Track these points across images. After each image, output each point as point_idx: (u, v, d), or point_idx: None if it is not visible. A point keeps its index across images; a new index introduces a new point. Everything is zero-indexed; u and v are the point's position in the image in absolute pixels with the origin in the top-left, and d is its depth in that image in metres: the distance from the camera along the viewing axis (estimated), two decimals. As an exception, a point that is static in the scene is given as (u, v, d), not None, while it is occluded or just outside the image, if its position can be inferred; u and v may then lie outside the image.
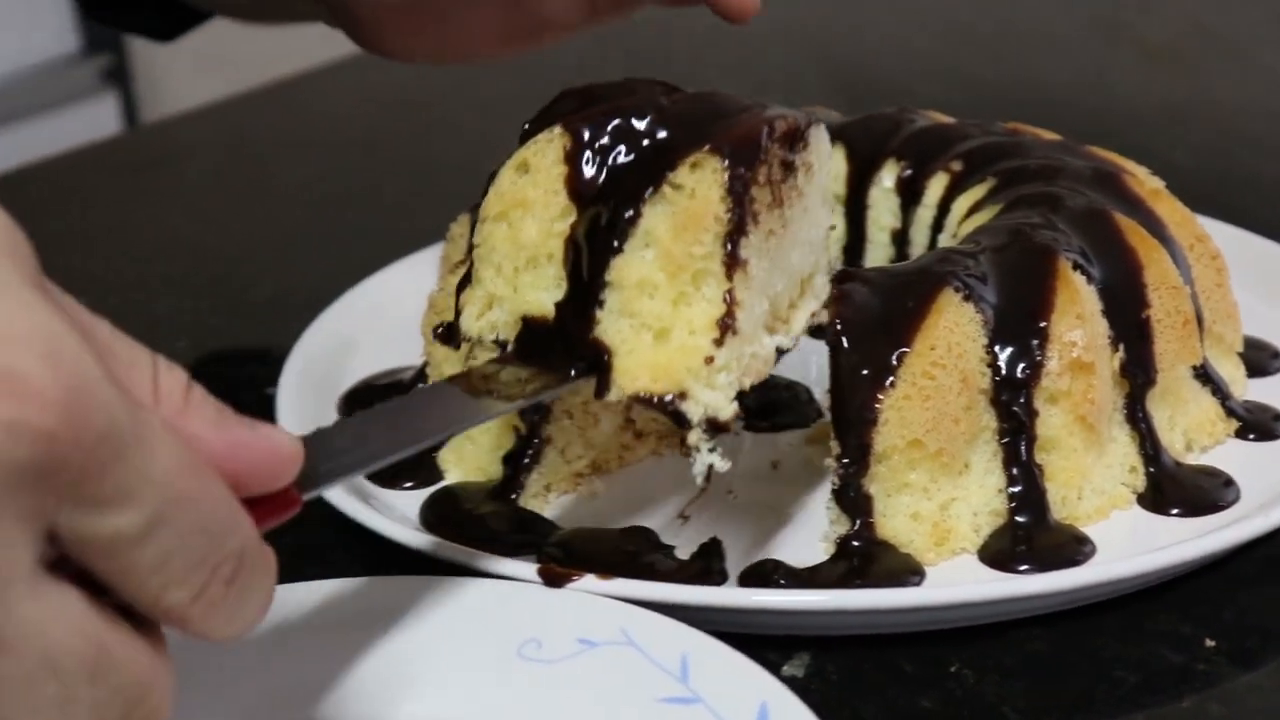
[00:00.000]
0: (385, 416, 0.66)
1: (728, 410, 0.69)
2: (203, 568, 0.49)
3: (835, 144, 1.00)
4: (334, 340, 0.97)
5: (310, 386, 0.92)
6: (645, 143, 0.71)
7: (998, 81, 1.56)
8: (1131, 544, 0.77)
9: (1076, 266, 0.80)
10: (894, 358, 0.76)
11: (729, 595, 0.73)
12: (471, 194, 0.95)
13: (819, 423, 0.90)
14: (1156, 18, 1.72)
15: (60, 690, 0.47)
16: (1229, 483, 0.81)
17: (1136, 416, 0.81)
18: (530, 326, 0.72)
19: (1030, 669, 0.72)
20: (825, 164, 0.78)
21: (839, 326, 0.77)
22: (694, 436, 0.69)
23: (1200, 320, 0.86)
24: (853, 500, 0.76)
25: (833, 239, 1.00)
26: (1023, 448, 0.77)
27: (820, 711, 0.63)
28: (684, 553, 0.78)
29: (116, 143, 1.84)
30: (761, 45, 1.64)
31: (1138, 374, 0.81)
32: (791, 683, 0.67)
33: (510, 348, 0.72)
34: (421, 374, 0.92)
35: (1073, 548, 0.76)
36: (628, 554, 0.77)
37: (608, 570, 0.73)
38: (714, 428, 0.69)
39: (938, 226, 0.96)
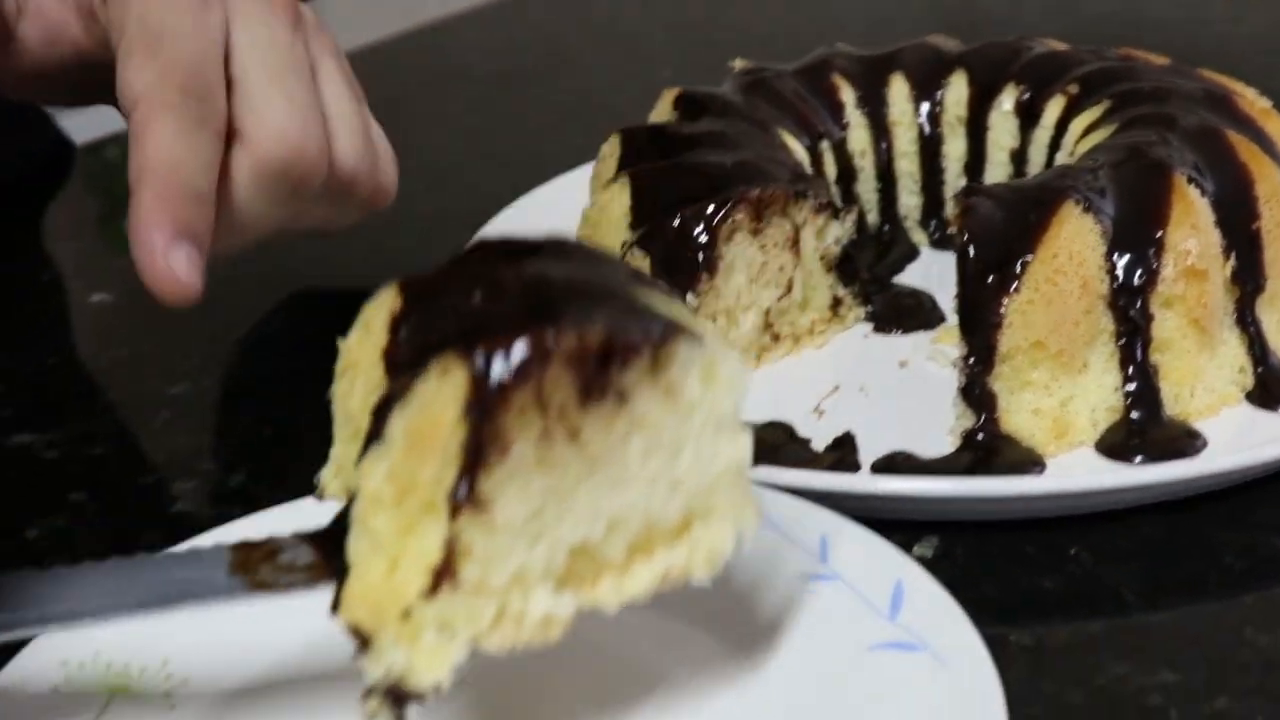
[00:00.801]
0: (109, 575, 0.59)
1: (424, 678, 0.51)
2: None
3: (956, 70, 0.99)
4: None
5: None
6: (454, 321, 0.53)
7: (1107, 13, 1.53)
8: (1240, 438, 0.76)
9: (1191, 181, 0.78)
10: (1018, 265, 0.75)
11: (864, 482, 0.73)
12: (617, 119, 0.96)
13: (944, 326, 0.89)
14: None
15: None
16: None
17: (1246, 320, 0.79)
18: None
19: (1145, 553, 0.71)
20: (718, 386, 0.55)
21: (966, 237, 0.76)
22: (367, 703, 0.52)
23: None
24: (978, 397, 0.76)
25: (953, 159, 0.99)
26: (1139, 349, 0.76)
27: (949, 590, 0.63)
28: (819, 444, 0.78)
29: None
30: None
31: (1247, 281, 0.79)
32: (921, 563, 0.66)
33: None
34: None
35: (1185, 441, 0.75)
36: (768, 445, 0.77)
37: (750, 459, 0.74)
38: (397, 696, 0.51)
39: (1055, 146, 0.94)
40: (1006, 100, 0.96)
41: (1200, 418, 0.77)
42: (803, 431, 0.79)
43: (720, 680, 0.60)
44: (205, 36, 0.72)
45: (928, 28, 1.08)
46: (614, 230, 0.87)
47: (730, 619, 0.64)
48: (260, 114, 0.73)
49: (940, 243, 0.99)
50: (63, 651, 0.64)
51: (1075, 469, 0.75)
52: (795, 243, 0.86)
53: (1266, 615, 0.67)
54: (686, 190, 0.84)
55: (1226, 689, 0.63)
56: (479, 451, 0.50)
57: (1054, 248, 0.75)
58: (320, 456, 0.64)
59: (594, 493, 0.54)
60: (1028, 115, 0.95)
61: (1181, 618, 0.68)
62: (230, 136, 0.73)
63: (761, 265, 0.85)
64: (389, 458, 0.52)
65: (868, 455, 0.77)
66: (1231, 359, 0.79)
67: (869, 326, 0.90)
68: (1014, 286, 0.74)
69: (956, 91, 0.98)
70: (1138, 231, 0.76)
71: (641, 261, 0.83)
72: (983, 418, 0.76)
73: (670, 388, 0.54)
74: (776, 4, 1.68)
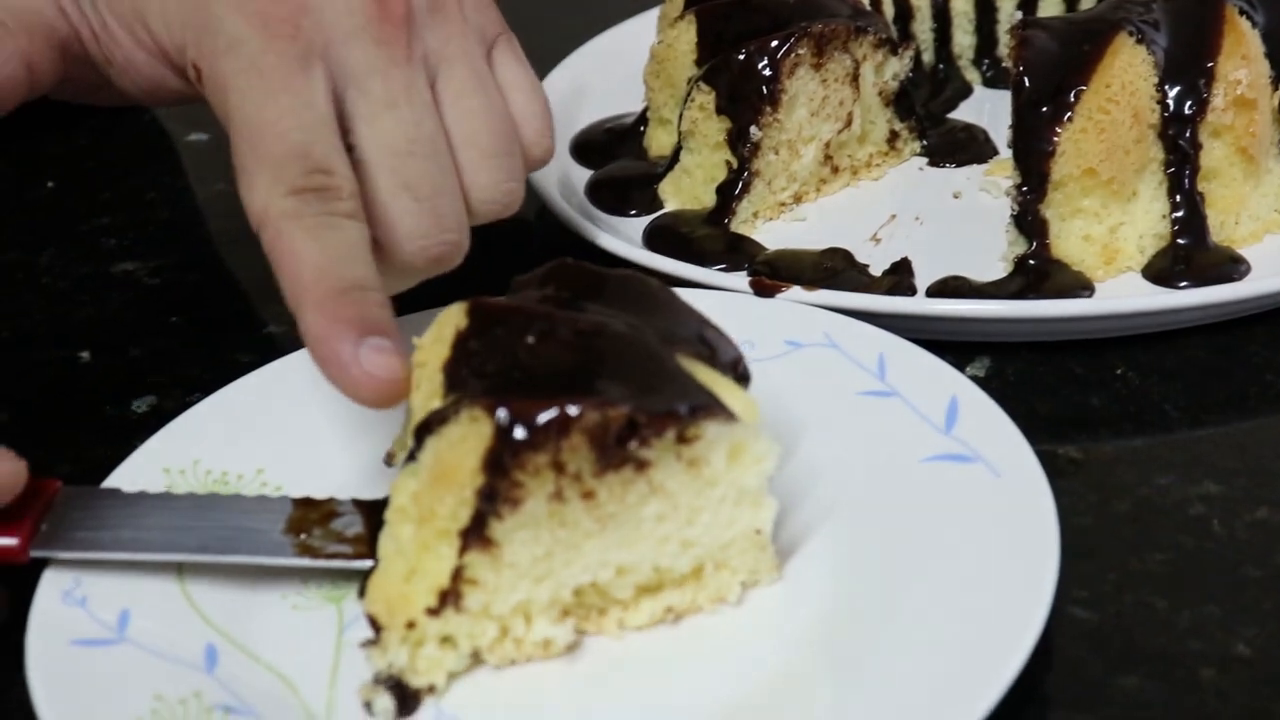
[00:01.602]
0: (178, 512, 0.59)
1: (421, 679, 0.53)
2: None
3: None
4: (567, 87, 0.94)
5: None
6: (500, 361, 0.53)
7: None
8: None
9: (1242, 12, 0.74)
10: (1072, 95, 0.71)
11: (919, 304, 0.71)
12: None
13: (996, 159, 0.85)
14: None
15: None
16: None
17: None
18: None
19: (1189, 372, 0.69)
20: (744, 463, 0.54)
21: (1021, 68, 0.72)
22: (366, 690, 0.53)
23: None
24: (1030, 224, 0.73)
25: None
26: (1187, 177, 0.73)
27: (1000, 407, 0.62)
28: (877, 270, 0.76)
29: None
30: None
31: None
32: (974, 382, 0.65)
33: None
34: (643, 117, 0.90)
35: (1229, 266, 0.73)
36: (828, 270, 0.75)
37: (811, 283, 0.72)
38: (395, 688, 0.53)
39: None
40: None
41: (1244, 244, 0.75)
42: (861, 258, 0.77)
43: (778, 490, 0.58)
44: (308, 114, 0.61)
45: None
46: (680, 65, 0.84)
47: (790, 432, 0.62)
48: (387, 226, 0.62)
49: (993, 81, 0.95)
50: (164, 459, 0.63)
51: (1123, 292, 0.72)
52: (855, 78, 0.82)
53: (1306, 431, 0.66)
54: (751, 25, 0.80)
55: (1267, 499, 0.61)
56: (492, 500, 0.51)
57: (1107, 78, 0.71)
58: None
59: (604, 546, 0.54)
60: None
61: (1224, 433, 0.66)
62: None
63: (822, 99, 0.82)
64: (417, 482, 0.53)
65: (923, 280, 0.74)
66: (1276, 187, 0.76)
67: (924, 160, 0.87)
68: (1067, 116, 0.71)
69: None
70: (1189, 62, 0.73)
71: (707, 96, 0.80)
72: (1034, 244, 0.73)
73: (694, 462, 0.53)
74: None
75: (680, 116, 0.83)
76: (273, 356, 0.69)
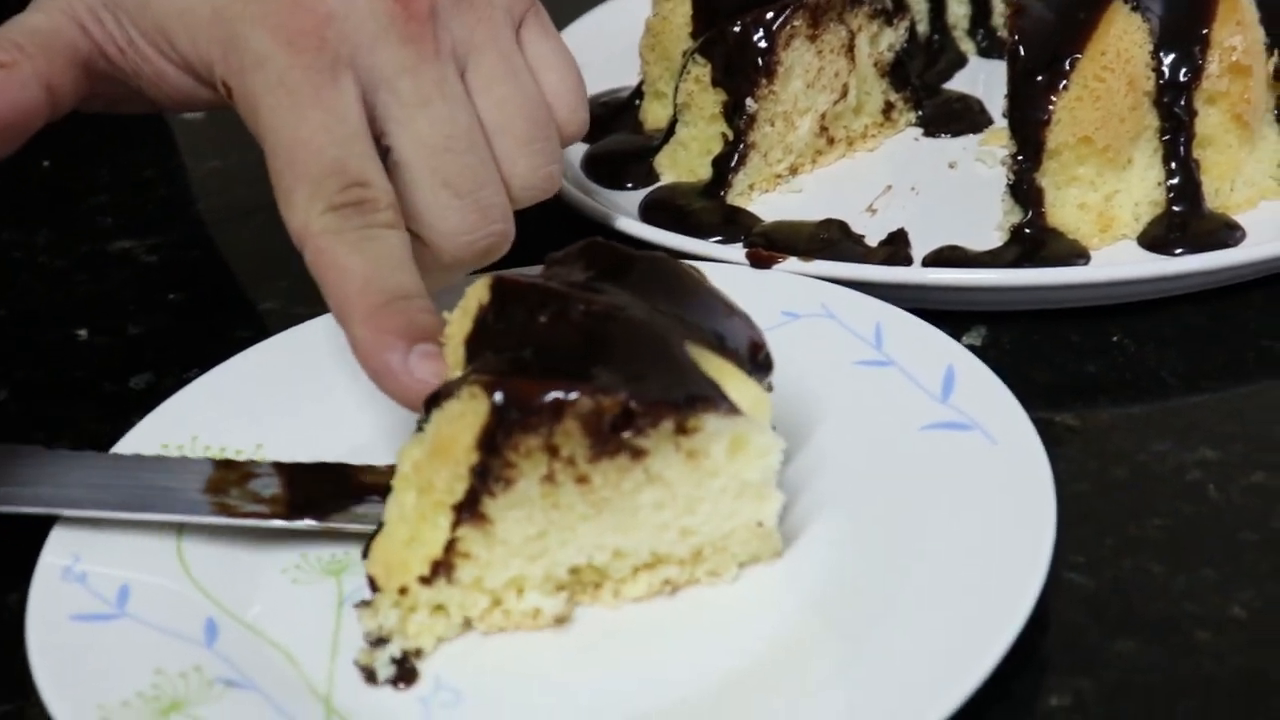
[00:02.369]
0: (100, 470, 0.60)
1: (409, 643, 0.53)
2: None
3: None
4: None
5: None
6: (512, 339, 0.54)
7: None
8: (1278, 229, 0.72)
9: None
10: (1067, 63, 0.71)
11: (915, 274, 0.70)
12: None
13: (991, 128, 0.85)
14: None
15: None
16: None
17: None
18: None
19: (1185, 339, 0.69)
20: (746, 457, 0.54)
21: (1017, 37, 0.72)
22: (364, 655, 0.54)
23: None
24: (1025, 193, 0.73)
25: None
26: (1182, 144, 0.73)
27: (997, 376, 0.62)
28: (873, 241, 0.76)
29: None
30: None
31: None
32: (970, 351, 0.65)
33: None
34: (638, 91, 0.89)
35: (1225, 233, 0.72)
36: (824, 241, 0.75)
37: (807, 254, 0.72)
38: (398, 662, 0.53)
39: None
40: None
41: (1240, 210, 0.74)
42: (857, 229, 0.76)
43: (795, 471, 0.59)
44: (340, 128, 0.61)
45: None
46: (675, 39, 0.83)
47: (788, 403, 0.61)
48: (432, 225, 0.63)
49: (987, 51, 0.94)
50: (163, 435, 0.64)
51: (1119, 260, 0.72)
52: (850, 49, 0.82)
53: (1302, 396, 0.66)
54: None
55: (1263, 464, 0.61)
56: (485, 478, 0.52)
57: (1102, 45, 0.71)
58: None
59: (599, 530, 0.54)
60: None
61: (1220, 398, 0.66)
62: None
63: (818, 70, 0.81)
64: (420, 451, 0.53)
65: (919, 250, 0.74)
66: (1270, 154, 0.76)
67: (919, 130, 0.87)
68: (1063, 84, 0.71)
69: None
70: (1184, 29, 0.72)
71: (703, 68, 0.80)
72: (1030, 212, 0.73)
73: (693, 453, 0.53)
74: None
75: (676, 89, 0.82)
76: (270, 333, 0.69)
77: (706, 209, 0.79)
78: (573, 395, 0.51)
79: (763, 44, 0.78)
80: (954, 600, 0.52)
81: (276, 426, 0.64)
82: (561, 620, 0.55)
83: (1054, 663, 0.53)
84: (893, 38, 0.84)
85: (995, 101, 0.85)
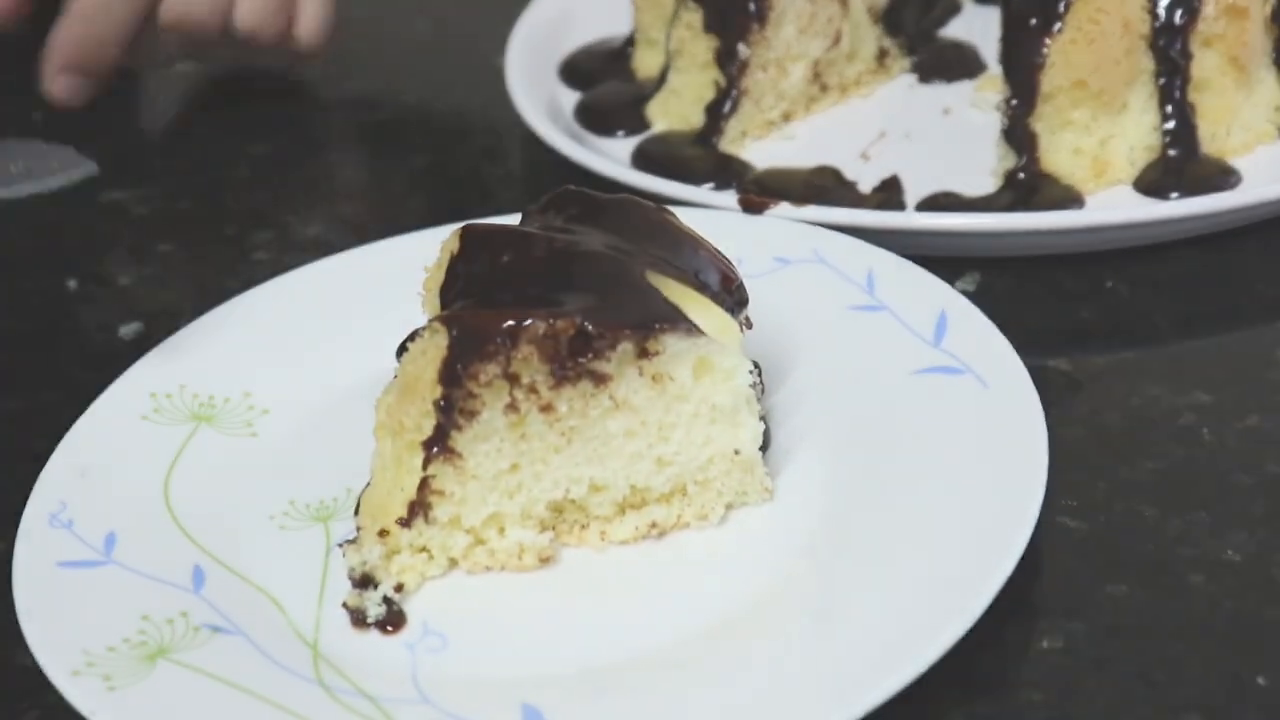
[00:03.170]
0: None
1: (389, 579, 0.54)
2: None
3: None
4: (555, 12, 0.92)
5: (535, 53, 0.88)
6: (477, 282, 0.55)
7: None
8: (1274, 173, 0.72)
9: None
10: (1061, 5, 0.70)
11: (908, 219, 0.70)
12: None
13: (986, 75, 0.84)
14: None
15: None
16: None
17: None
18: None
19: (1179, 284, 0.69)
20: (712, 380, 0.54)
21: None
22: (353, 598, 0.54)
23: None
24: (1019, 137, 0.72)
25: None
26: (1178, 88, 0.72)
27: (990, 321, 0.61)
28: (866, 187, 0.75)
29: None
30: None
31: None
32: (964, 296, 0.64)
33: None
34: (630, 39, 0.88)
35: (1221, 178, 0.72)
36: (817, 187, 0.74)
37: (800, 200, 0.71)
38: (364, 585, 0.54)
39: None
40: None
41: (1236, 155, 0.74)
42: (850, 175, 0.76)
43: (771, 404, 0.59)
44: None
45: None
46: None
47: (781, 348, 0.62)
48: None
49: None
50: (150, 384, 0.63)
51: (1113, 205, 0.71)
52: None
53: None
54: None
55: (1256, 407, 0.61)
56: (449, 411, 0.52)
57: None
58: (395, 208, 0.63)
59: (572, 461, 0.54)
60: None
61: (1214, 343, 0.66)
62: None
63: (811, 16, 0.80)
64: (392, 395, 0.54)
65: (913, 196, 0.73)
66: (1268, 97, 0.75)
67: (914, 77, 0.86)
68: (1057, 27, 0.70)
69: None
70: None
71: (695, 14, 0.79)
72: (1024, 158, 0.72)
73: (658, 377, 0.53)
74: None
75: (668, 36, 0.82)
76: (258, 283, 0.69)
77: (699, 156, 0.78)
78: (526, 321, 0.52)
79: None
80: (945, 544, 0.52)
81: (266, 374, 0.64)
82: (546, 559, 0.55)
83: (1046, 606, 0.53)
84: None
85: (990, 48, 0.83)
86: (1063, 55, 0.71)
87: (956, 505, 0.53)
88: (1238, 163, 0.73)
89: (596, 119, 0.83)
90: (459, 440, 0.53)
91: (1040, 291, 0.69)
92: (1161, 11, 0.72)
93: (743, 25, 0.78)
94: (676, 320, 0.53)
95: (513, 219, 0.60)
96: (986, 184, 0.74)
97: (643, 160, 0.78)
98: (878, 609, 0.50)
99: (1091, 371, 0.65)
